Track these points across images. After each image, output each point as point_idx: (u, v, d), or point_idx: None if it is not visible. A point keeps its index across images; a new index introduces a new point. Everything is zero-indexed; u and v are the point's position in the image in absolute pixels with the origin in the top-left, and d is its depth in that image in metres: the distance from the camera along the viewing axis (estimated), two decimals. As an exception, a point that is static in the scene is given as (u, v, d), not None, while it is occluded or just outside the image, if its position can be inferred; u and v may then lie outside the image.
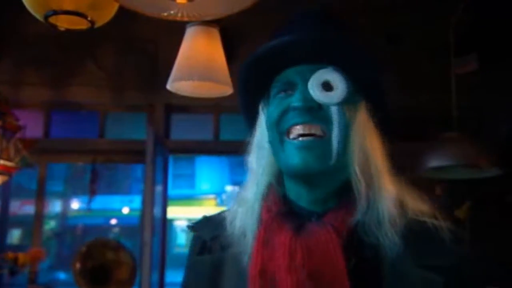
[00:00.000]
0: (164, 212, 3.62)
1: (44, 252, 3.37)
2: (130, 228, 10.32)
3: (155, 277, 3.24)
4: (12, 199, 4.02)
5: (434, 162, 2.47)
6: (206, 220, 0.90)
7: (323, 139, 0.75)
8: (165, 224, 3.66)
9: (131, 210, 10.89)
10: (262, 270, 0.73)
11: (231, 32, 2.24)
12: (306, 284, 0.70)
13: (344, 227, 0.74)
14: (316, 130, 0.75)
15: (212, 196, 11.66)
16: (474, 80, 3.15)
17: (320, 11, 0.83)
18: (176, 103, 3.70)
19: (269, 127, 0.79)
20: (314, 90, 0.75)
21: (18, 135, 2.62)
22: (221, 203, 11.30)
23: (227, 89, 1.85)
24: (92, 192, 3.67)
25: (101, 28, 1.45)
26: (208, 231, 0.86)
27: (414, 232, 0.75)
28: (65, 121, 3.99)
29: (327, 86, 0.75)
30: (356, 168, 0.76)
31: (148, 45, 3.71)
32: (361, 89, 0.78)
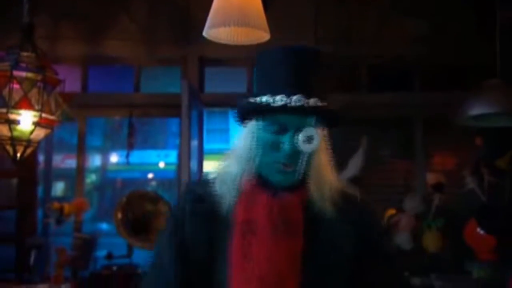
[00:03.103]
0: (200, 165, 3.68)
1: (87, 202, 3.50)
2: (167, 181, 10.56)
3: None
4: (55, 153, 4.16)
5: (476, 110, 2.40)
6: (198, 182, 1.25)
7: (296, 168, 1.11)
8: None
9: (167, 164, 11.11)
10: (246, 219, 1.09)
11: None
12: (279, 229, 1.07)
13: (304, 198, 1.12)
14: (294, 166, 1.11)
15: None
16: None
17: (302, 57, 1.13)
18: (209, 56, 3.68)
19: (263, 147, 1.12)
20: (302, 143, 1.09)
21: (57, 89, 2.67)
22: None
23: (264, 35, 1.81)
24: (130, 146, 3.75)
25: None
26: (201, 188, 1.19)
27: (341, 202, 1.14)
28: (101, 75, 4.05)
29: (309, 139, 1.10)
30: (312, 185, 1.13)
31: (180, -3, 3.67)
32: (326, 124, 1.14)
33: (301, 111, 1.09)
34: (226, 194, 1.13)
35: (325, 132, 1.16)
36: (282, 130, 1.11)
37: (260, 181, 1.14)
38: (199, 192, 1.18)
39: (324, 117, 1.12)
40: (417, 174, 3.64)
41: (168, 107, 3.72)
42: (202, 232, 1.14)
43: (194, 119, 3.45)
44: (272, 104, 1.09)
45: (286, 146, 1.10)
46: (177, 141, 3.94)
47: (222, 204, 1.13)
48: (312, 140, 1.10)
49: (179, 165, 3.69)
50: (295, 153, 1.10)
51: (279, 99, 1.09)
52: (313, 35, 3.62)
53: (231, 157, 1.18)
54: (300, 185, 1.14)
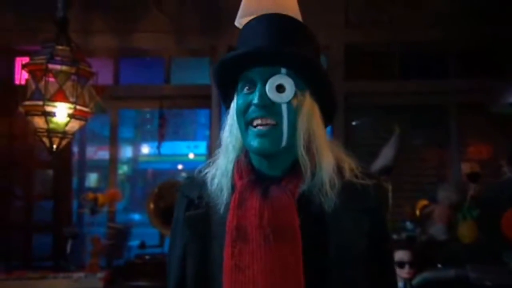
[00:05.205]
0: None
1: (120, 193, 3.56)
2: (197, 173, 10.65)
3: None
4: (88, 145, 4.25)
5: (514, 97, 2.32)
6: (191, 180, 1.14)
7: (275, 128, 0.99)
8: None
9: (197, 155, 11.21)
10: (237, 226, 0.99)
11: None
12: (270, 237, 0.96)
13: (297, 190, 1.00)
14: (270, 121, 0.99)
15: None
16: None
17: (277, 20, 1.05)
18: (239, 46, 3.68)
19: (237, 116, 1.03)
20: (270, 91, 0.98)
21: (91, 81, 2.72)
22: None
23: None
24: (161, 137, 3.79)
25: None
26: (194, 191, 1.10)
27: (347, 190, 1.02)
28: (132, 67, 4.09)
29: (280, 88, 0.98)
30: (301, 150, 1.01)
31: (209, -13, 3.66)
32: (308, 83, 1.02)
33: (266, 60, 0.98)
34: (219, 196, 1.05)
35: (308, 94, 1.02)
36: (252, 86, 1.01)
37: (252, 175, 1.04)
38: (194, 196, 1.09)
39: (298, 67, 0.99)
40: (451, 164, 3.56)
41: (198, 98, 3.75)
42: (197, 241, 1.06)
43: (223, 109, 3.45)
44: (232, 55, 1.00)
45: (254, 99, 0.99)
46: (207, 132, 3.96)
47: (216, 207, 1.05)
48: (283, 88, 0.98)
49: (209, 156, 3.71)
50: (267, 106, 0.98)
51: (241, 50, 1.00)
52: (344, 20, 3.57)
53: (221, 148, 1.09)
54: (292, 172, 1.02)
